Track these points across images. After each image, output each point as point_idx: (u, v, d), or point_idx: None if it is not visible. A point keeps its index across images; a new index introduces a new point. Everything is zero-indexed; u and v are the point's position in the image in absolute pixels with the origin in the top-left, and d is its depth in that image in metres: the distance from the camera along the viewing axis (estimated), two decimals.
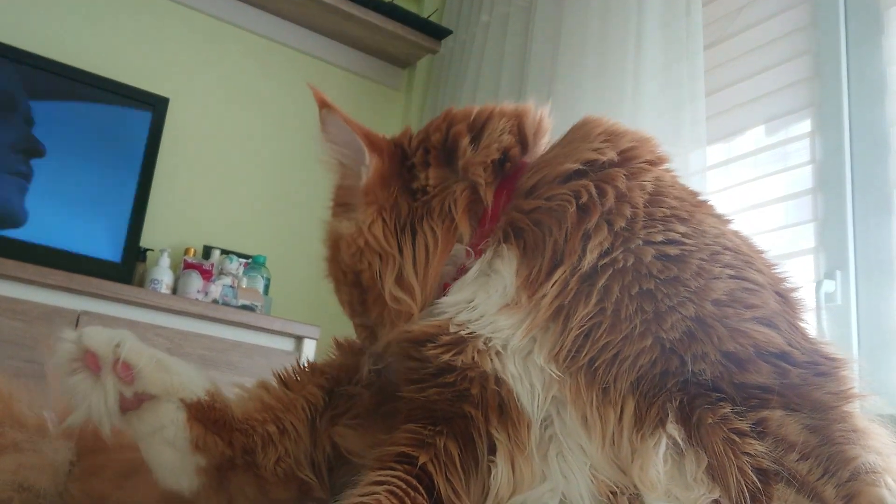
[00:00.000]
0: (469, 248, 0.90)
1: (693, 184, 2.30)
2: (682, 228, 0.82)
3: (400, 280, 0.90)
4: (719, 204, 2.35)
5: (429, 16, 3.89)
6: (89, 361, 0.83)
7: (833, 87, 2.17)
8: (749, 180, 2.37)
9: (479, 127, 0.95)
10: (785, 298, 0.86)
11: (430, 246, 0.89)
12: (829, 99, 2.17)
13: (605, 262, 0.80)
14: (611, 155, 0.87)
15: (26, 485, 1.03)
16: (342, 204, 0.99)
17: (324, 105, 0.95)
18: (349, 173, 0.97)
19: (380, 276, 0.90)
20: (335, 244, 0.97)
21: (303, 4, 3.60)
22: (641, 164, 0.88)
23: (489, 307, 0.84)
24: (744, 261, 0.84)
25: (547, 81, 2.91)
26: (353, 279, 0.94)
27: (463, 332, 0.83)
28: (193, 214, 3.41)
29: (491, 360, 0.82)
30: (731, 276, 0.81)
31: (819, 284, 2.05)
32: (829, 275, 2.06)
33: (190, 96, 3.45)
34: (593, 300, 0.79)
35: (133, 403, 0.85)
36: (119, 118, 3.14)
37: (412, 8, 3.97)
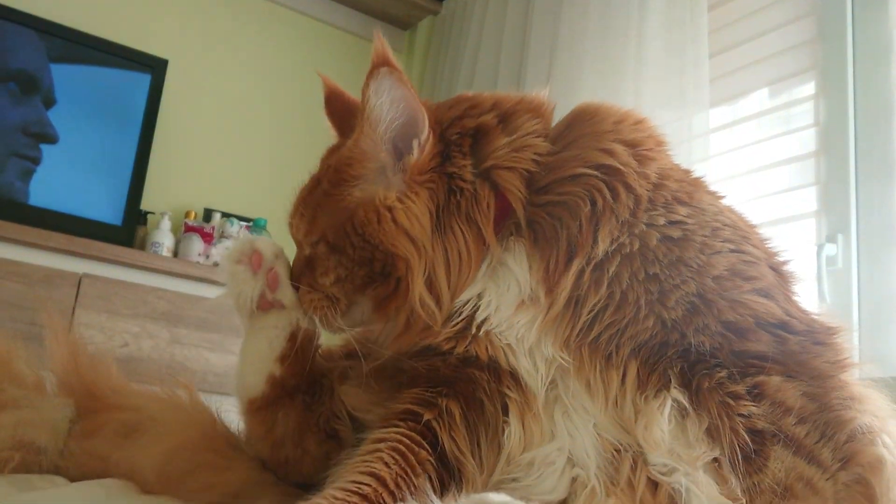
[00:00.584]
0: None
1: (696, 147, 2.30)
2: (683, 210, 0.85)
3: (430, 284, 0.86)
4: (722, 167, 2.33)
5: None
6: (254, 260, 0.95)
7: (838, 49, 2.14)
8: (752, 143, 2.36)
9: (509, 123, 0.91)
10: (779, 272, 0.89)
11: (462, 252, 0.86)
12: (833, 61, 2.15)
13: (613, 248, 0.82)
14: (620, 155, 0.86)
15: (26, 441, 1.04)
16: (351, 167, 0.91)
17: (386, 63, 0.85)
18: (376, 139, 0.89)
19: (410, 271, 0.85)
20: (353, 209, 0.89)
21: None
22: (646, 154, 0.88)
23: (504, 305, 0.85)
24: (741, 236, 0.86)
25: (549, 43, 2.88)
26: (366, 256, 0.88)
27: (480, 332, 0.85)
28: (194, 177, 3.40)
29: (504, 353, 0.85)
30: (731, 251, 0.84)
31: (820, 248, 2.05)
32: (831, 238, 2.06)
33: (189, 58, 3.42)
34: (604, 287, 0.81)
35: (266, 305, 0.96)
36: (118, 80, 3.11)
37: None
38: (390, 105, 0.87)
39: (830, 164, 2.11)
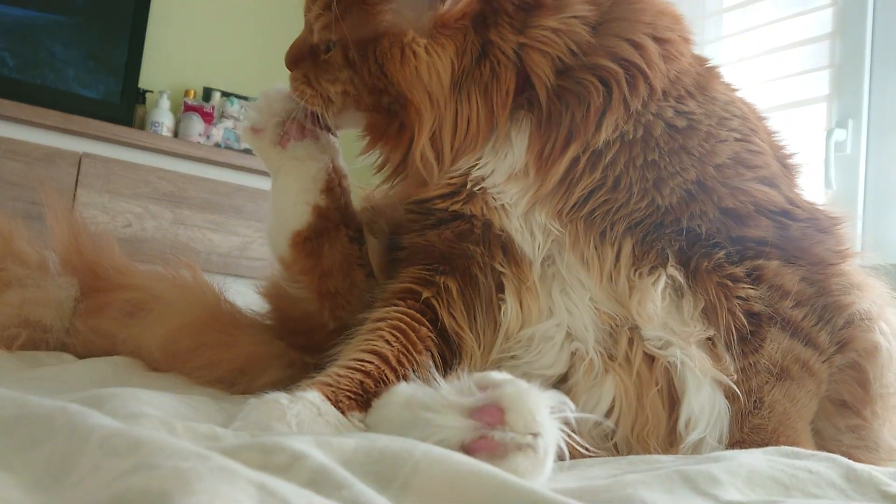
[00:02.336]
0: None
1: (709, 26, 2.23)
2: (693, 102, 0.83)
3: (434, 141, 0.85)
4: (735, 48, 2.27)
5: None
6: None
7: None
8: (767, 23, 2.29)
9: (561, 1, 0.84)
10: (784, 164, 0.89)
11: (471, 120, 0.84)
12: None
13: (615, 136, 0.81)
14: (650, 51, 0.83)
15: (32, 319, 1.05)
16: None
17: None
18: None
19: (419, 122, 0.84)
20: (380, 33, 0.84)
21: None
22: (674, 52, 0.85)
23: (498, 171, 0.84)
24: (749, 128, 0.86)
25: None
26: (378, 87, 0.85)
27: (476, 189, 0.84)
28: (192, 55, 3.32)
29: (497, 214, 0.84)
30: (737, 139, 0.83)
31: (830, 133, 2.02)
32: (841, 123, 2.02)
33: None
34: (598, 172, 0.81)
35: (300, 134, 0.95)
36: None
37: None
38: None
39: (846, 47, 2.06)
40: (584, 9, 0.84)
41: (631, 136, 0.81)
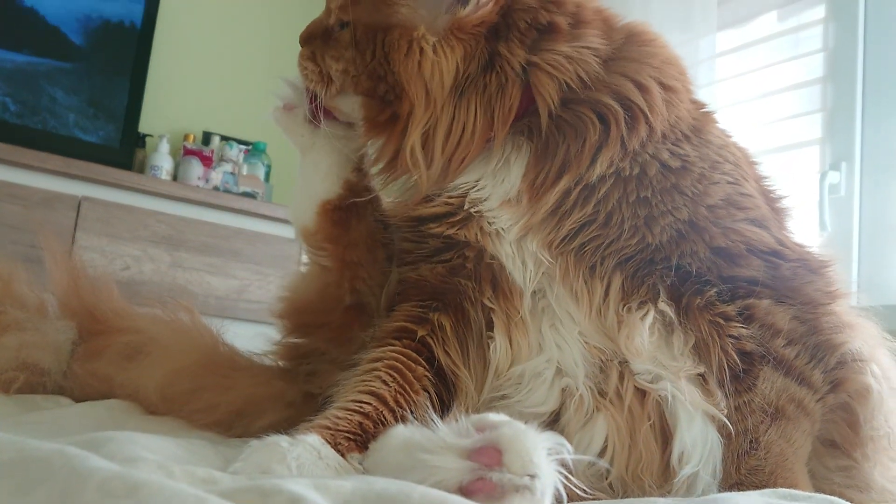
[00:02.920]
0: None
1: (702, 71, 2.26)
2: (687, 146, 0.85)
3: (426, 139, 0.85)
4: (728, 92, 2.30)
5: None
6: None
7: None
8: (759, 68, 2.32)
9: (577, 30, 0.87)
10: (774, 208, 0.90)
11: (466, 129, 0.84)
12: None
13: (610, 172, 0.82)
14: (654, 95, 0.85)
15: (30, 362, 1.05)
16: None
17: None
18: None
19: (412, 116, 0.85)
20: (392, 23, 0.86)
21: None
22: (676, 100, 0.87)
23: (494, 196, 0.86)
24: (741, 174, 0.87)
25: None
26: (379, 73, 0.87)
27: (472, 210, 0.86)
28: (192, 100, 3.35)
29: (491, 240, 0.85)
30: (729, 182, 0.85)
31: (823, 175, 2.04)
32: (835, 166, 2.04)
33: None
34: (590, 206, 0.82)
35: (332, 114, 0.96)
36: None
37: None
38: None
39: (837, 91, 2.08)
40: (598, 42, 0.86)
41: (626, 174, 0.82)
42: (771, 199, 0.91)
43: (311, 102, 0.95)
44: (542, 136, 0.85)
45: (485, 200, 0.86)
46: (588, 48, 0.86)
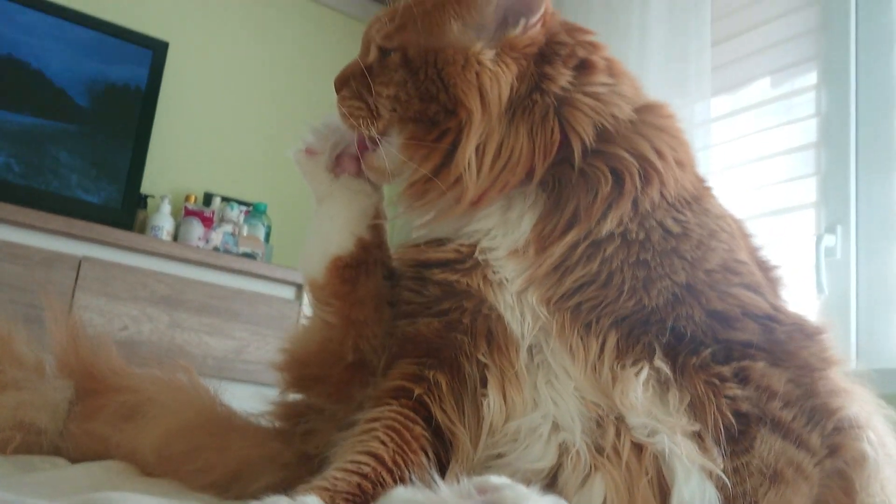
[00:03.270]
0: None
1: (697, 136, 2.30)
2: (688, 213, 0.87)
3: (478, 152, 0.86)
4: (723, 156, 2.33)
5: None
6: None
7: (840, 39, 2.14)
8: (753, 133, 2.36)
9: (614, 76, 0.91)
10: (768, 277, 0.92)
11: (514, 153, 0.86)
12: (836, 51, 2.15)
13: (619, 231, 0.84)
14: (669, 159, 0.88)
15: (26, 422, 1.05)
16: (461, 4, 0.90)
17: None
18: (485, 0, 0.89)
19: (469, 125, 0.85)
20: (444, 43, 0.88)
21: None
22: (683, 172, 0.90)
23: (503, 246, 0.87)
24: (736, 244, 0.89)
25: None
26: (431, 92, 0.88)
27: (480, 258, 0.87)
28: (194, 161, 3.39)
29: (493, 290, 0.86)
30: (725, 250, 0.87)
31: (819, 239, 2.05)
32: (830, 229, 2.06)
33: (190, 40, 3.41)
34: (595, 265, 0.83)
35: (355, 169, 0.97)
36: (118, 61, 3.10)
37: None
38: None
39: (831, 155, 2.11)
40: (630, 92, 0.91)
41: (633, 236, 0.84)
42: (765, 269, 0.93)
43: (359, 147, 0.95)
44: (558, 187, 0.86)
45: (494, 250, 0.87)
46: (622, 95, 0.89)
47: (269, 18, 3.66)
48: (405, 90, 0.89)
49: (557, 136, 0.86)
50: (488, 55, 0.87)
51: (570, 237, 0.84)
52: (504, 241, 0.87)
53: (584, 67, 0.90)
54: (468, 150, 0.85)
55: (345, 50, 3.74)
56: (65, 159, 2.96)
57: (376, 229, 0.98)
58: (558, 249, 0.84)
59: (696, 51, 2.36)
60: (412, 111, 0.89)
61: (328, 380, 0.96)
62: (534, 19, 0.88)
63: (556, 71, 0.88)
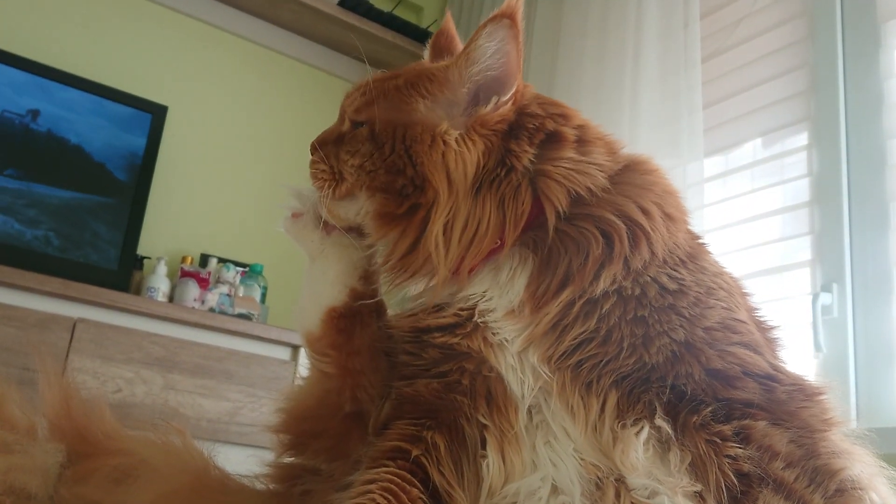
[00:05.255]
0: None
1: (690, 196, 2.32)
2: (684, 271, 0.87)
3: (445, 231, 0.87)
4: (716, 216, 2.35)
5: (428, 26, 3.91)
6: None
7: (830, 100, 2.17)
8: (746, 192, 2.38)
9: (585, 146, 0.92)
10: (766, 338, 0.92)
11: (481, 225, 0.87)
12: (826, 112, 2.18)
13: (613, 289, 0.84)
14: (656, 216, 0.89)
15: (17, 486, 1.03)
16: (431, 84, 0.92)
17: (511, 18, 0.86)
18: (465, 76, 0.90)
19: (436, 205, 0.86)
20: (412, 119, 0.90)
21: (302, 14, 3.61)
22: (673, 228, 0.91)
23: (500, 307, 0.87)
24: (734, 303, 0.89)
25: (545, 92, 2.90)
26: (398, 167, 0.89)
27: (479, 321, 0.87)
28: (191, 223, 3.41)
29: (493, 351, 0.86)
30: (723, 308, 0.86)
31: (815, 297, 2.05)
32: (826, 287, 2.06)
33: (188, 104, 3.46)
34: (593, 321, 0.83)
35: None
36: (117, 125, 3.14)
37: (411, 18, 3.99)
38: (494, 54, 0.88)
39: (824, 214, 2.13)
40: (602, 159, 0.91)
41: (628, 293, 0.84)
42: (763, 329, 0.92)
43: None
44: (546, 249, 0.87)
45: (492, 311, 0.87)
46: (593, 164, 0.90)
47: (266, 80, 3.71)
48: (371, 161, 0.91)
49: (528, 206, 0.87)
50: (453, 135, 0.88)
51: (565, 296, 0.84)
52: (500, 301, 0.87)
53: (552, 141, 0.91)
54: (435, 230, 0.86)
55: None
56: (60, 220, 2.97)
57: (369, 281, 0.99)
58: (553, 308, 0.84)
59: (688, 112, 2.40)
60: (379, 182, 0.91)
61: (326, 433, 0.95)
62: (506, 97, 0.90)
63: (520, 148, 0.89)
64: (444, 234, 0.87)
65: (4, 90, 2.93)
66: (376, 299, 0.99)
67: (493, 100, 0.89)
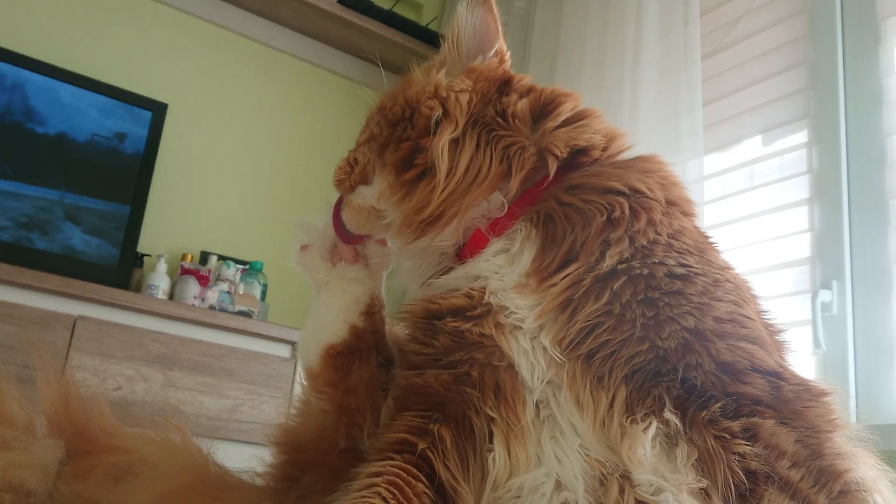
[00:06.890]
0: (508, 205, 0.93)
1: (692, 191, 2.32)
2: (692, 259, 0.87)
3: (452, 154, 0.92)
4: (716, 213, 2.35)
5: (427, 24, 3.90)
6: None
7: (830, 97, 2.17)
8: (746, 190, 2.38)
9: (579, 115, 0.98)
10: (774, 340, 0.91)
11: (481, 172, 0.91)
12: (825, 109, 2.18)
13: (623, 267, 0.84)
14: (658, 195, 0.91)
15: (16, 483, 1.03)
16: (428, 66, 1.02)
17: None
18: (451, 50, 1.01)
19: (436, 125, 0.92)
20: (405, 85, 1.00)
21: (302, 11, 3.61)
22: (678, 211, 0.93)
23: (508, 283, 0.88)
24: (741, 298, 0.89)
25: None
26: (398, 114, 0.96)
27: (492, 300, 0.87)
28: (191, 220, 3.41)
29: (506, 336, 0.86)
30: (732, 302, 0.86)
31: (815, 294, 2.05)
32: (826, 285, 2.07)
33: (189, 102, 3.46)
34: (604, 299, 0.83)
35: (352, 258, 1.03)
36: (117, 122, 3.14)
37: (411, 16, 3.99)
38: (474, 23, 1.00)
39: (824, 211, 2.13)
40: (599, 138, 0.97)
41: (637, 272, 0.83)
42: (771, 331, 0.92)
43: (335, 216, 1.02)
44: (550, 225, 0.88)
45: (503, 289, 0.88)
46: (591, 128, 0.96)
47: (266, 78, 3.71)
48: (377, 125, 0.99)
49: (532, 159, 0.92)
50: (446, 79, 0.97)
51: (571, 270, 0.84)
52: (510, 277, 0.88)
53: (548, 105, 0.96)
54: (442, 142, 0.91)
55: (342, 111, 3.80)
56: (60, 217, 2.97)
57: (371, 316, 1.00)
58: (559, 284, 0.84)
59: (688, 110, 2.40)
60: (383, 140, 0.96)
61: (324, 465, 0.96)
62: (490, 53, 0.99)
63: (511, 100, 0.95)
64: (449, 155, 0.91)
65: (4, 89, 2.92)
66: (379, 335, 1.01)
67: (479, 59, 0.98)
